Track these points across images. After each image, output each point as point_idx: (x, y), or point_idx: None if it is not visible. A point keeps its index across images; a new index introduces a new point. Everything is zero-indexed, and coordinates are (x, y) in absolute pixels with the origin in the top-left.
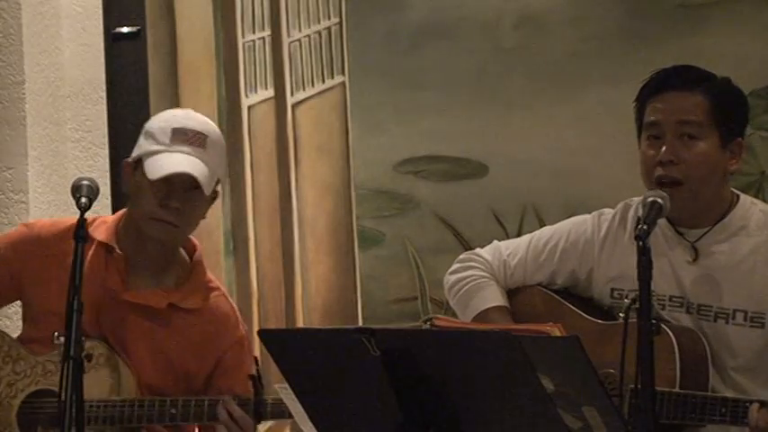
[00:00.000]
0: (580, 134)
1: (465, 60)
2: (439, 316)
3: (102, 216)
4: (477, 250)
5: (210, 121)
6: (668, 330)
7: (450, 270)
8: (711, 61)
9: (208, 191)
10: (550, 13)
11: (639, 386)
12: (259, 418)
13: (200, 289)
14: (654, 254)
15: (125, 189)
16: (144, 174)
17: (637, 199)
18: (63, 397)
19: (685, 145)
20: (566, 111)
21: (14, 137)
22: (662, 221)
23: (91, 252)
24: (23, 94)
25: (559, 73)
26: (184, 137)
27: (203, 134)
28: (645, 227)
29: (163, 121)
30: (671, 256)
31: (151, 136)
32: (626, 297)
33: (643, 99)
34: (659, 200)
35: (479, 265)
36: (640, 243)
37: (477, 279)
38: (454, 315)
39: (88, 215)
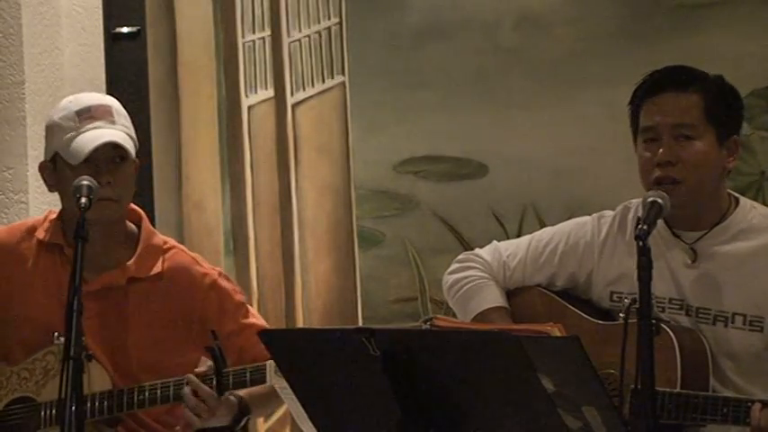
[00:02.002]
0: (580, 134)
1: (465, 60)
2: (439, 316)
3: (50, 211)
4: (477, 251)
5: (106, 95)
6: (669, 330)
7: (448, 270)
8: (711, 61)
9: (133, 154)
10: (550, 13)
11: (639, 386)
12: (222, 390)
13: (156, 253)
14: (657, 260)
15: (50, 190)
16: (66, 165)
17: (636, 201)
18: (63, 397)
19: (682, 146)
20: (565, 111)
21: (14, 137)
22: (659, 223)
23: (43, 255)
24: (23, 94)
25: (559, 73)
26: (89, 114)
27: (106, 105)
28: (645, 227)
29: (62, 110)
30: (669, 259)
31: (57, 128)
32: (625, 300)
33: (637, 102)
34: (659, 200)
35: (478, 266)
36: (640, 243)
37: (476, 279)
38: (454, 315)
39: (37, 215)
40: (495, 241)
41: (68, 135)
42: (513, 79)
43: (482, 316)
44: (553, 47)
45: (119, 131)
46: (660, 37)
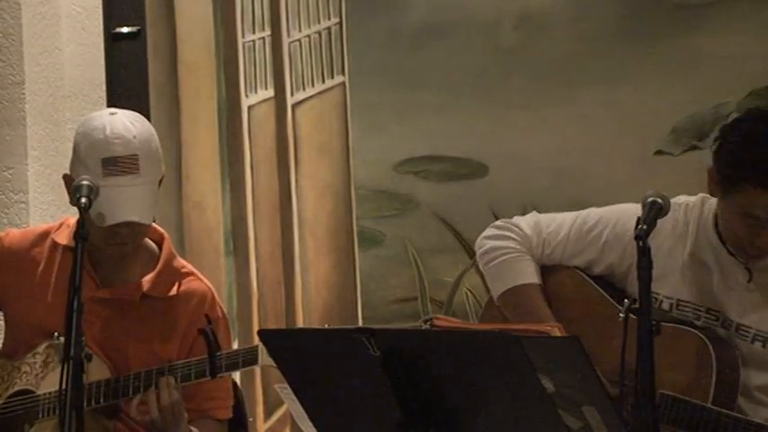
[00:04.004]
0: (580, 134)
1: (465, 60)
2: (439, 316)
3: (68, 218)
4: (516, 220)
5: (135, 123)
6: (710, 346)
7: (485, 234)
8: (711, 61)
9: (149, 220)
10: (550, 13)
11: (639, 387)
12: (214, 372)
13: (173, 276)
14: (706, 268)
15: (71, 202)
16: None
17: (686, 198)
18: (63, 397)
19: None
20: (566, 111)
21: (14, 137)
22: (713, 238)
23: (57, 259)
24: (23, 94)
25: (559, 73)
26: (116, 168)
27: (134, 156)
28: (645, 227)
29: (90, 146)
30: (723, 276)
31: (83, 163)
32: (660, 302)
33: (744, 181)
34: (659, 200)
35: (517, 237)
36: (640, 243)
37: (512, 252)
38: (454, 315)
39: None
40: (535, 212)
41: (97, 197)
42: (513, 79)
43: (515, 290)
44: (553, 47)
45: (142, 186)
46: (660, 37)
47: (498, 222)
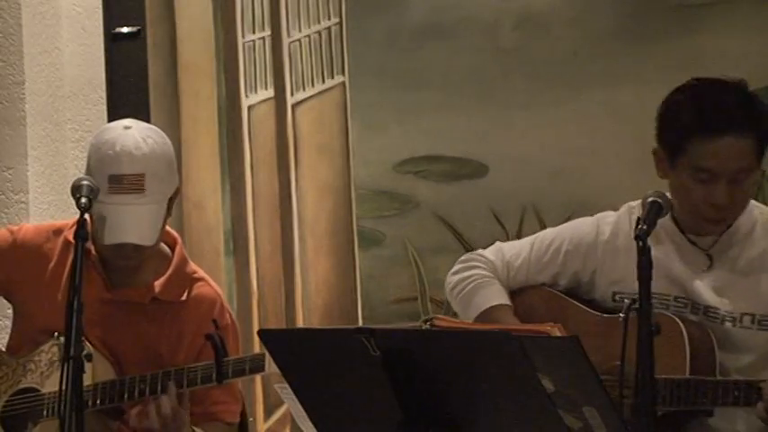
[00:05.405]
0: (580, 134)
1: (465, 60)
2: (439, 316)
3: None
4: (480, 251)
5: (147, 140)
6: (678, 321)
7: (452, 271)
8: (711, 61)
9: (153, 241)
10: (550, 14)
11: (639, 386)
12: (221, 378)
13: (184, 281)
14: (667, 258)
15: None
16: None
17: (637, 203)
18: (63, 396)
19: (737, 185)
20: (566, 111)
21: (14, 137)
22: (670, 228)
23: (71, 257)
24: (23, 94)
25: (559, 73)
26: (121, 186)
27: (140, 175)
28: (645, 227)
29: (99, 160)
30: (685, 264)
31: (92, 176)
32: (625, 300)
33: (689, 134)
34: (659, 200)
35: (482, 265)
36: (640, 243)
37: (479, 278)
38: (455, 315)
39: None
40: (498, 242)
41: (97, 197)
42: (513, 79)
43: (486, 314)
44: (553, 47)
45: (147, 206)
46: (660, 37)
47: (462, 257)
